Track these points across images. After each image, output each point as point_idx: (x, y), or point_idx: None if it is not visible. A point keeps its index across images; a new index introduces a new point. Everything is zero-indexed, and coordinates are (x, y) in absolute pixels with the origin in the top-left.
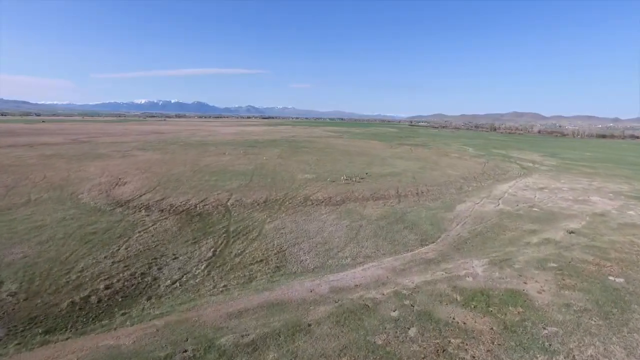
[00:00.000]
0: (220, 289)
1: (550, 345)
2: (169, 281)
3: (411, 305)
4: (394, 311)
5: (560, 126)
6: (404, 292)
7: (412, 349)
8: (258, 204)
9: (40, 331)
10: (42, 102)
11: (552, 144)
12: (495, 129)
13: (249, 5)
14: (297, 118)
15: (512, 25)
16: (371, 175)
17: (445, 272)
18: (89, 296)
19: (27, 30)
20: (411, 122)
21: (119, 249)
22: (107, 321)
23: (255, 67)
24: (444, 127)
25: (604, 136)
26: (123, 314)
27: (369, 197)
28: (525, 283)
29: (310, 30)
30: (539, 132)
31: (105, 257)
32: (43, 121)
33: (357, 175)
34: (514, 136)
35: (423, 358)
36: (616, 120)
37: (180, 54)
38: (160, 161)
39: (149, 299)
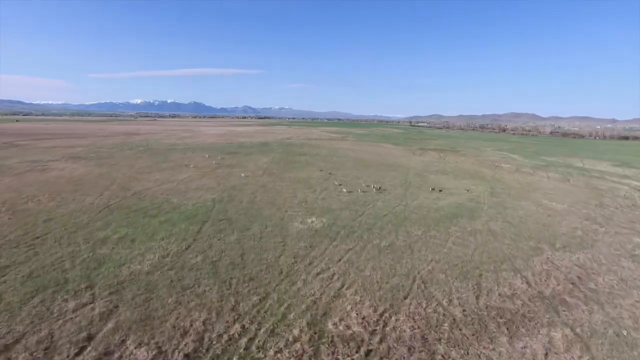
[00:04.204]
0: None
1: None
2: None
3: None
4: None
5: (559, 127)
6: None
7: None
8: None
9: None
10: (37, 102)
11: (592, 147)
12: (504, 130)
13: (247, 5)
14: (293, 118)
15: (509, 26)
16: (423, 207)
17: None
18: None
19: (24, 30)
20: (411, 122)
21: None
22: None
23: (252, 67)
24: (447, 127)
25: (626, 138)
26: None
27: (491, 319)
28: None
29: (308, 30)
30: (551, 133)
31: None
32: (17, 120)
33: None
34: (532, 138)
35: None
36: (613, 121)
37: (177, 54)
38: (75, 181)
39: None
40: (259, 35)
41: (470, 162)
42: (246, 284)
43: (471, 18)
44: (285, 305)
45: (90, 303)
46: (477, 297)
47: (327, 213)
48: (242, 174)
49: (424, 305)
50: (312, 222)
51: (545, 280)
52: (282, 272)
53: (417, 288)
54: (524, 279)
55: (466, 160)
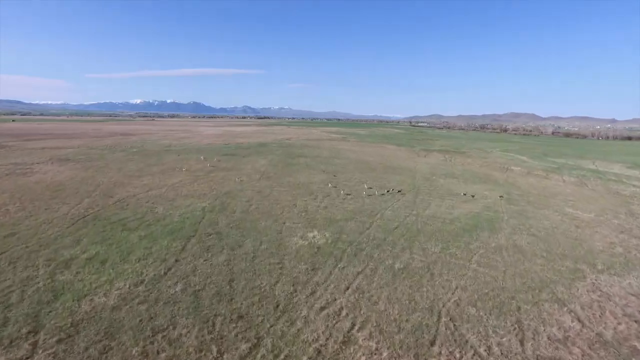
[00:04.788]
0: None
1: None
2: None
3: None
4: None
5: (558, 127)
6: None
7: None
8: None
9: None
10: (36, 102)
11: (597, 148)
12: (505, 130)
13: (247, 5)
14: (293, 118)
15: (509, 26)
16: (437, 217)
17: None
18: None
19: (24, 30)
20: (411, 122)
21: None
22: None
23: (252, 67)
24: (448, 127)
25: (629, 138)
26: None
27: None
28: None
29: (308, 30)
30: (553, 133)
31: None
32: (13, 120)
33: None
34: (534, 138)
35: None
36: (613, 121)
37: (177, 54)
38: (55, 186)
39: None
40: (259, 35)
41: (478, 165)
42: (233, 325)
43: (471, 18)
44: (282, 357)
45: (27, 359)
46: (522, 342)
47: (330, 225)
48: (238, 178)
49: (458, 356)
50: (313, 237)
51: (600, 317)
52: (278, 305)
53: (446, 329)
54: (573, 314)
55: (473, 162)
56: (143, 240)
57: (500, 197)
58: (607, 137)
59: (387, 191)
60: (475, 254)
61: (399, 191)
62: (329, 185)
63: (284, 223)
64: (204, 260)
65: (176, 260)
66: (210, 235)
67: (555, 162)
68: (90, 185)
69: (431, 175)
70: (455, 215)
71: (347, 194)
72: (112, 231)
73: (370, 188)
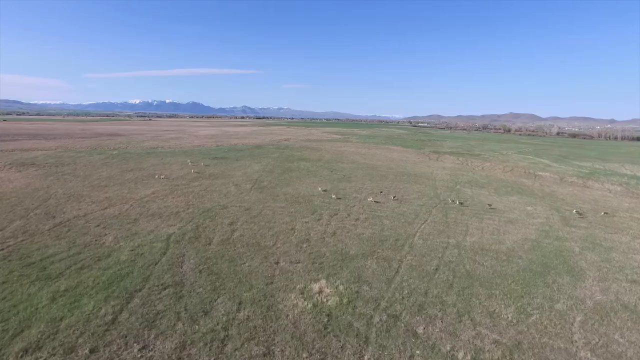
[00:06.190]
0: None
1: None
2: None
3: None
4: None
5: (560, 127)
6: None
7: None
8: None
9: None
10: (35, 101)
11: (614, 150)
12: (508, 131)
13: (246, 5)
14: (292, 118)
15: (509, 26)
16: (485, 249)
17: None
18: None
19: (23, 29)
20: (411, 122)
21: None
22: None
23: (251, 67)
24: (450, 128)
25: (638, 139)
26: None
27: None
28: None
29: (307, 30)
30: (558, 134)
31: None
32: (4, 120)
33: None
34: (541, 139)
35: None
36: (612, 121)
37: (176, 54)
38: None
39: None
40: (257, 35)
41: (500, 170)
42: None
43: (471, 18)
44: None
45: None
46: None
47: (343, 266)
48: (230, 185)
49: None
50: (320, 290)
51: None
52: None
53: None
54: None
55: (493, 166)
56: (58, 300)
57: (605, 215)
58: (616, 138)
59: (398, 210)
60: (572, 325)
61: (406, 210)
62: (336, 198)
63: (278, 262)
64: (140, 350)
65: (91, 352)
66: (165, 289)
67: (581, 165)
68: (36, 200)
69: (454, 184)
70: (508, 245)
71: (360, 212)
72: (18, 281)
73: (390, 201)
